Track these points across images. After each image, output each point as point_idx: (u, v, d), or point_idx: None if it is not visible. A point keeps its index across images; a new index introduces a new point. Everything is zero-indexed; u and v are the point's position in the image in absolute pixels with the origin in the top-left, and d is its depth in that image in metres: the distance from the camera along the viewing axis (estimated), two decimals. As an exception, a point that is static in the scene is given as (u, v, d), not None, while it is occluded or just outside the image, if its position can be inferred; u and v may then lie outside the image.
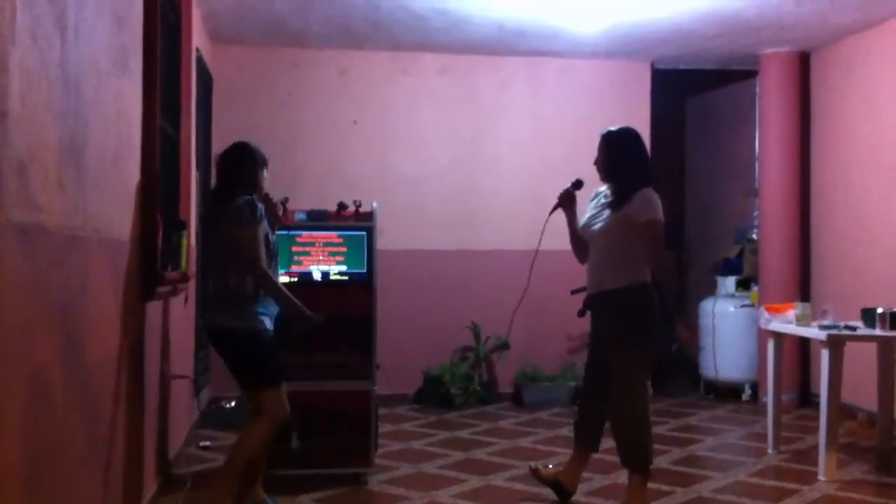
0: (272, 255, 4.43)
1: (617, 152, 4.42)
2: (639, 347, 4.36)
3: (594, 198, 4.59)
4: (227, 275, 4.31)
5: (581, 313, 4.57)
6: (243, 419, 4.75)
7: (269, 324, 4.36)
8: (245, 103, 7.50)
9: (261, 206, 4.36)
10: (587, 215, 4.55)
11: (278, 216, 4.79)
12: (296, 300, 4.35)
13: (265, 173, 4.53)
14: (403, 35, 7.28)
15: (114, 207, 3.57)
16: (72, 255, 2.88)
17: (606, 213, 4.42)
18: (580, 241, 4.58)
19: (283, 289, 4.38)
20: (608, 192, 4.48)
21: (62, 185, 2.71)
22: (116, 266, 3.61)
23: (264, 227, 4.33)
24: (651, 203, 4.30)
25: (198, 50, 6.26)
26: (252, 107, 7.50)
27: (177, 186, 5.40)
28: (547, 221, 4.54)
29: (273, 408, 4.31)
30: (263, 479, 4.56)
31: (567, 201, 4.60)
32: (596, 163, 4.49)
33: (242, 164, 4.43)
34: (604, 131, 4.51)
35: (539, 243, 4.65)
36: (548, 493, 4.82)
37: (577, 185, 4.60)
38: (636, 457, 4.38)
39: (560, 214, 4.64)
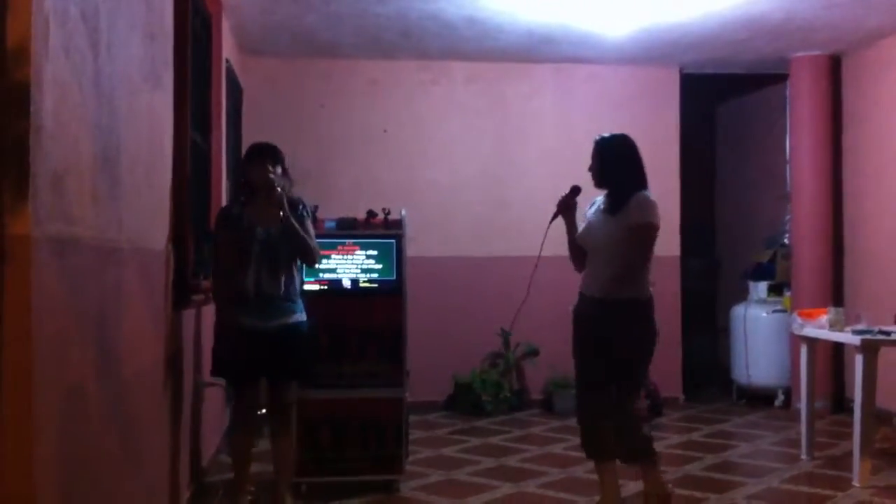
0: (246, 253, 4.27)
1: (609, 159, 4.41)
2: (646, 356, 4.33)
3: (591, 206, 4.55)
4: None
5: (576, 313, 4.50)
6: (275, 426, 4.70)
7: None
8: (275, 114, 7.57)
9: (233, 210, 4.42)
10: (585, 223, 4.51)
11: (277, 206, 4.27)
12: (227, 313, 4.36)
13: (270, 165, 4.31)
14: (432, 44, 7.32)
15: (147, 218, 3.62)
16: (106, 267, 2.92)
17: (606, 219, 4.37)
18: (578, 248, 4.52)
19: (224, 306, 4.37)
20: (604, 199, 4.45)
21: (96, 197, 2.76)
22: (150, 276, 3.66)
23: (236, 229, 4.29)
24: (646, 206, 4.25)
25: (228, 62, 6.32)
26: (282, 117, 7.56)
27: (208, 196, 5.47)
28: (548, 230, 4.46)
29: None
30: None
31: (566, 208, 4.54)
32: (590, 169, 4.48)
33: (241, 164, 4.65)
34: (596, 138, 4.51)
35: (540, 252, 4.52)
36: (580, 500, 4.83)
37: (576, 191, 4.53)
38: (649, 448, 4.36)
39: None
